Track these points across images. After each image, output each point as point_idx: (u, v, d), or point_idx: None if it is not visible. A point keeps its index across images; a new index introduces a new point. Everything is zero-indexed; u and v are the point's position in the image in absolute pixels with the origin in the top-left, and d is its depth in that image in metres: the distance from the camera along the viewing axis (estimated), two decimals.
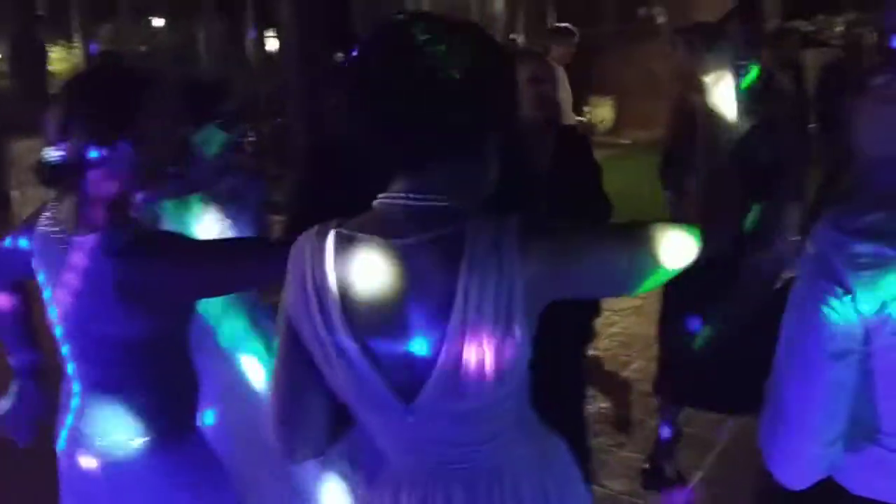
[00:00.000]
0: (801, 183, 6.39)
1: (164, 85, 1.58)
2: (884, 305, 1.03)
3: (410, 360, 1.12)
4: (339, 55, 8.28)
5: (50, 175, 1.49)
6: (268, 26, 9.79)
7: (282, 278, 1.22)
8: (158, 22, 11.08)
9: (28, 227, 1.64)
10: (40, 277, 1.60)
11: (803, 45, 9.06)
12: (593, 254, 1.14)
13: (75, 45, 10.00)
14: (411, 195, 1.13)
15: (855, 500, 1.20)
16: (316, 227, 1.18)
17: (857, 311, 1.04)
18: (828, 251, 1.07)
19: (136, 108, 1.48)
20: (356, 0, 7.97)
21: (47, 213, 1.60)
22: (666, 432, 3.22)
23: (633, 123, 13.73)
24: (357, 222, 1.16)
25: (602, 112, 14.50)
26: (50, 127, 1.60)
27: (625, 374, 3.96)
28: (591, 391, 3.24)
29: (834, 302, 1.05)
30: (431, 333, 1.11)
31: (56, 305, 1.56)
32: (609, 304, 2.90)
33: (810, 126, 6.78)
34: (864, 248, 1.03)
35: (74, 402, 1.62)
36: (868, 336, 1.06)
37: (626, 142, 13.01)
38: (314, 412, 1.24)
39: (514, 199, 1.44)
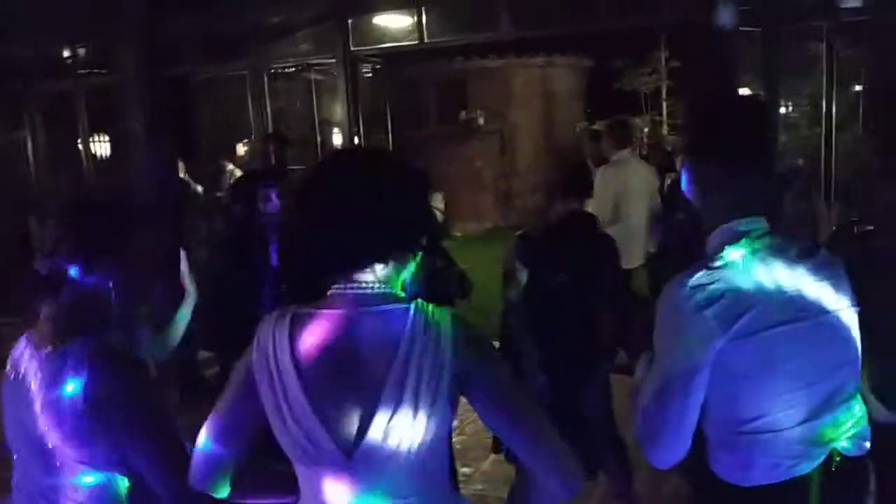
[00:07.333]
0: None
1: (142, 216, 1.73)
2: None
3: (353, 418, 1.32)
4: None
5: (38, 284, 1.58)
6: (94, 132, 9.64)
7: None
8: None
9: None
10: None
11: None
12: (503, 398, 1.37)
13: None
14: (358, 286, 1.36)
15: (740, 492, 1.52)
16: (276, 311, 1.40)
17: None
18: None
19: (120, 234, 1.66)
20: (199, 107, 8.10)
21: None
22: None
23: (462, 216, 14.28)
24: (312, 304, 1.38)
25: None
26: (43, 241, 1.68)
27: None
28: None
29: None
30: (371, 396, 1.31)
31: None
32: None
33: None
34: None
35: None
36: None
37: (457, 234, 13.40)
38: (233, 458, 1.42)
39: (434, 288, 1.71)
